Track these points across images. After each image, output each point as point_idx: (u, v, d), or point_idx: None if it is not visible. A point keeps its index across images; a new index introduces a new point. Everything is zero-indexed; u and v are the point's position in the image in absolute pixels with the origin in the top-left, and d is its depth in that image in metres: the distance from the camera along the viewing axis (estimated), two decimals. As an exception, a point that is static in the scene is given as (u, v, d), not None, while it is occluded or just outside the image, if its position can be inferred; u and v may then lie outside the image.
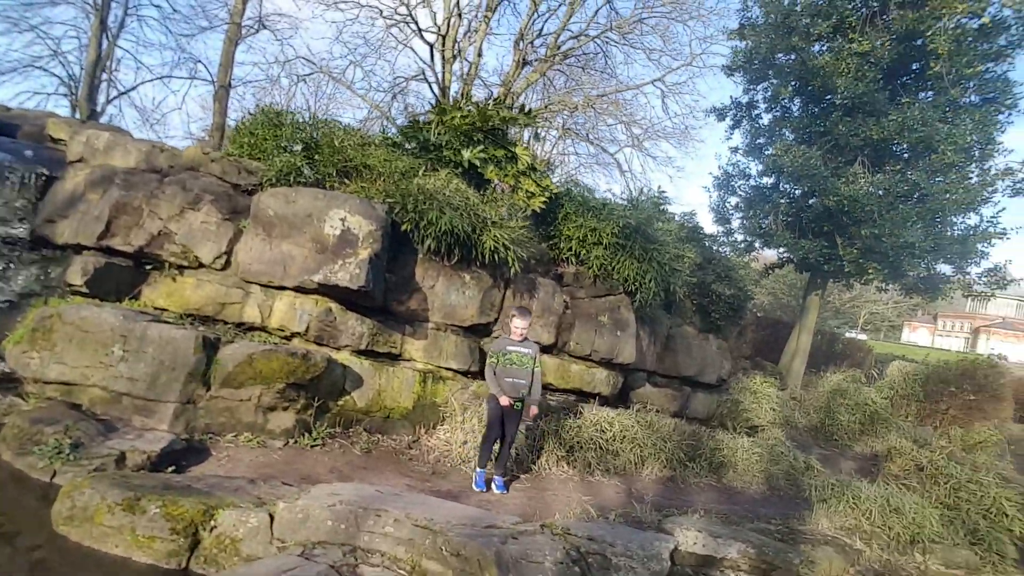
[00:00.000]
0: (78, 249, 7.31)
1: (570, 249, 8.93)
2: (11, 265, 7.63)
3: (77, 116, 16.50)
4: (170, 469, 5.10)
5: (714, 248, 13.45)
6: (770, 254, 18.54)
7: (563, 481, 6.64)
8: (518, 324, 6.15)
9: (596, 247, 8.79)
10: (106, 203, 7.12)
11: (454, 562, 3.78)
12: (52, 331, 6.02)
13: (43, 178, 7.68)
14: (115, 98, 19.95)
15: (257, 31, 18.66)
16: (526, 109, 9.64)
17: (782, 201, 15.65)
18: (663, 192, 11.65)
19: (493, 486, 5.96)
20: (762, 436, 9.57)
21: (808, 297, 16.39)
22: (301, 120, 8.45)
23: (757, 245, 16.76)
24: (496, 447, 6.16)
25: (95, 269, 6.94)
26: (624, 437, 7.50)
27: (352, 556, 3.91)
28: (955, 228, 14.45)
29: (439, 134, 8.64)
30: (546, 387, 8.39)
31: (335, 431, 6.53)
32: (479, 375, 7.64)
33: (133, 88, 20.46)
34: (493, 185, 8.68)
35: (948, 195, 13.40)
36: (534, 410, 6.15)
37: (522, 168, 8.75)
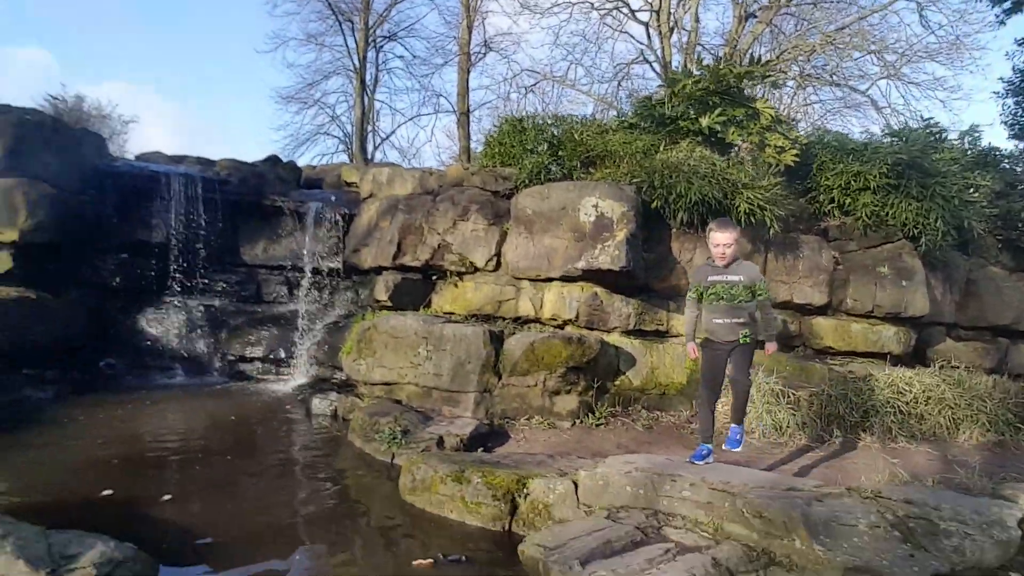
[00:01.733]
0: (378, 271, 8.64)
1: (832, 200, 8.26)
2: (334, 292, 9.29)
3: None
4: (479, 450, 5.79)
5: (1018, 169, 11.29)
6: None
7: (861, 449, 6.18)
8: (719, 239, 4.51)
9: (863, 193, 8.00)
10: (395, 227, 8.32)
11: (757, 524, 3.78)
12: (372, 341, 7.19)
13: (346, 216, 9.22)
14: (379, 144, 23.14)
15: (484, 55, 20.18)
16: (759, 60, 9.12)
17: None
18: (933, 121, 10.04)
19: (724, 446, 4.86)
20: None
21: None
22: (541, 122, 9.00)
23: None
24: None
25: (394, 285, 8.15)
26: (928, 399, 6.73)
27: (654, 519, 4.11)
28: None
29: (673, 106, 8.57)
30: (825, 350, 7.89)
31: (616, 410, 6.87)
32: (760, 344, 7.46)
33: (392, 133, 23.76)
34: (737, 147, 8.38)
35: None
36: (771, 347, 4.79)
37: (765, 124, 8.31)
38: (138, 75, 42.95)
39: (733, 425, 4.85)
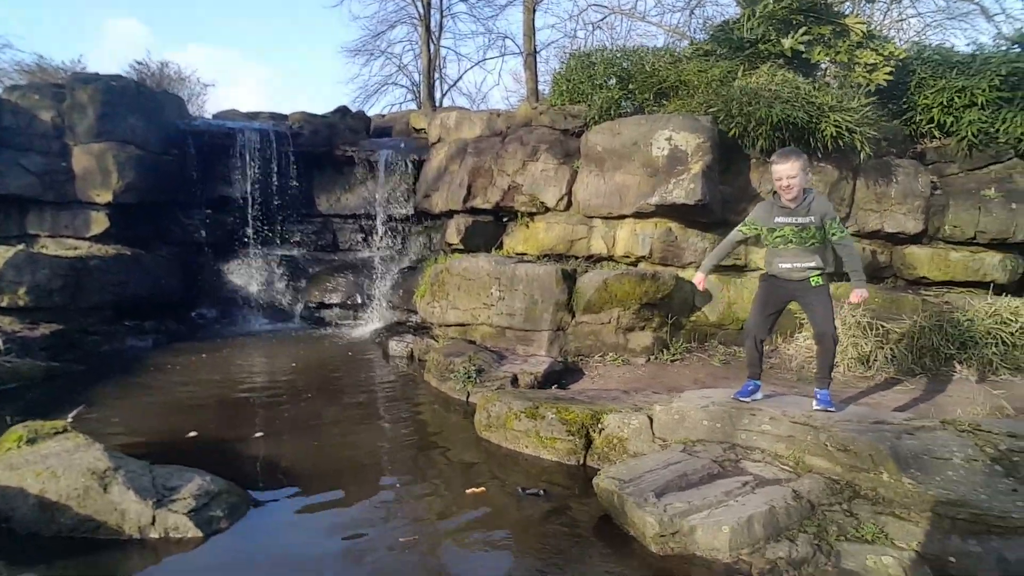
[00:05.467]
0: (450, 214, 8.68)
1: (930, 120, 7.63)
2: (407, 237, 9.44)
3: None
4: (553, 387, 5.83)
5: None
6: None
7: (957, 382, 5.83)
8: (780, 170, 3.89)
9: (968, 110, 7.35)
10: (464, 171, 8.30)
11: (842, 457, 3.64)
12: (444, 283, 7.28)
13: (416, 162, 9.27)
14: (447, 91, 22.92)
15: (550, -9, 19.40)
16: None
17: None
18: None
19: (814, 403, 4.10)
20: None
21: None
22: (610, 55, 8.64)
23: None
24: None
25: (466, 228, 8.18)
26: (1037, 328, 6.24)
27: (732, 452, 4.03)
28: None
29: (751, 29, 8.03)
30: (919, 281, 7.43)
31: (691, 346, 6.74)
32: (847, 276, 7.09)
33: (459, 78, 23.46)
34: (824, 68, 7.81)
35: None
36: (861, 294, 4.08)
37: (856, 40, 7.68)
38: (221, 38, 44.15)
39: (821, 391, 4.12)
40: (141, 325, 8.20)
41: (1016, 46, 8.12)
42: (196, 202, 9.36)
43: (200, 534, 3.21)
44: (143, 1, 42.59)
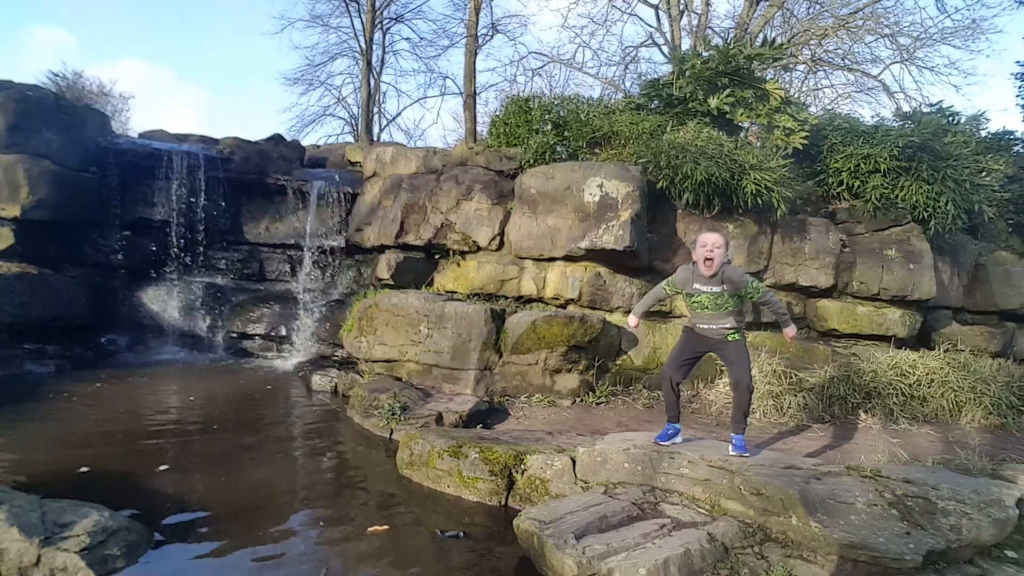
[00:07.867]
0: (381, 249, 8.61)
1: (840, 183, 8.17)
2: (336, 270, 9.28)
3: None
4: (478, 427, 5.79)
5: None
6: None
7: (862, 430, 6.15)
8: (707, 239, 4.17)
9: (872, 175, 7.92)
10: (398, 206, 8.28)
11: (755, 501, 3.76)
12: (373, 318, 7.18)
13: (349, 195, 9.19)
14: (386, 126, 22.90)
15: (491, 37, 19.81)
16: (771, 42, 8.97)
17: None
18: (945, 103, 9.88)
19: (730, 448, 4.33)
20: None
21: None
22: (547, 102, 8.91)
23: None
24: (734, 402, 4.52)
25: (397, 264, 8.13)
26: (932, 381, 6.69)
27: (651, 495, 4.10)
28: None
29: (681, 87, 8.47)
30: (829, 332, 7.85)
31: (616, 389, 6.86)
32: (766, 327, 7.41)
33: (398, 114, 23.50)
34: (746, 128, 8.29)
35: None
36: (791, 331, 4.46)
37: (775, 105, 8.21)
38: (157, 55, 42.71)
39: (736, 436, 4.35)
40: (43, 349, 7.68)
41: (910, 122, 8.86)
42: (114, 223, 8.92)
43: (92, 575, 2.99)
44: (72, 9, 41.06)
